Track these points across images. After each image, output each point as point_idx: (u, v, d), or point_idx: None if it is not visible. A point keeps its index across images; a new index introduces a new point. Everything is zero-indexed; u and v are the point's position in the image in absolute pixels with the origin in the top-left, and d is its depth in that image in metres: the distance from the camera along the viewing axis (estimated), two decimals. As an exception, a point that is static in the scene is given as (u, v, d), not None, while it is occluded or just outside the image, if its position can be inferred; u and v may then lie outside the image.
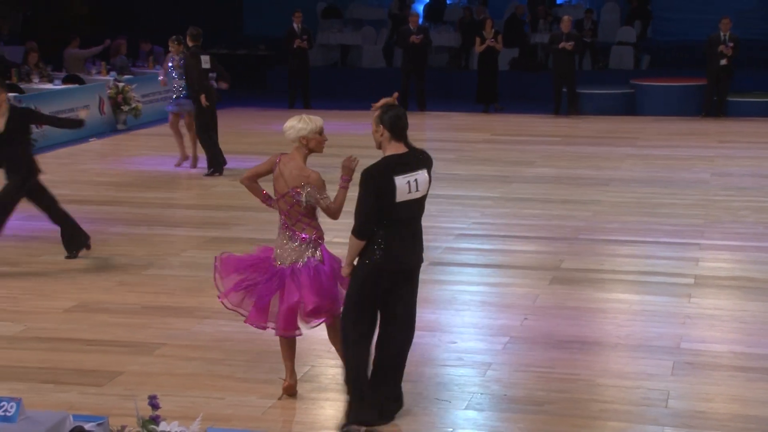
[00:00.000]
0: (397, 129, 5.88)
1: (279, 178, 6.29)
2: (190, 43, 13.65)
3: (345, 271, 6.00)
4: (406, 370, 6.68)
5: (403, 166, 5.82)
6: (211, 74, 13.90)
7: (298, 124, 6.29)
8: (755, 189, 12.90)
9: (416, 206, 5.93)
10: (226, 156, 14.07)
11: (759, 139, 16.98)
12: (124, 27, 23.26)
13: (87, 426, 4.93)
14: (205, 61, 13.50)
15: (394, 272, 5.88)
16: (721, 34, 19.31)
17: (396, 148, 5.88)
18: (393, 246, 5.83)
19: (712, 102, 19.51)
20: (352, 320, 5.93)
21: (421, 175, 5.87)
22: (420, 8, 25.77)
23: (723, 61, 19.19)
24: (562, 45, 19.36)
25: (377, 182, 5.76)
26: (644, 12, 24.75)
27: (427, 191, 5.97)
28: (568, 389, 6.57)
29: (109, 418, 5.17)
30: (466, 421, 6.14)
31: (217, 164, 13.70)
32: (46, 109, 16.21)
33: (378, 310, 5.99)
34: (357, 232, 5.83)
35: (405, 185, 5.78)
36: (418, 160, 5.90)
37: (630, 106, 20.23)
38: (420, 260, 6.03)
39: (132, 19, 24.38)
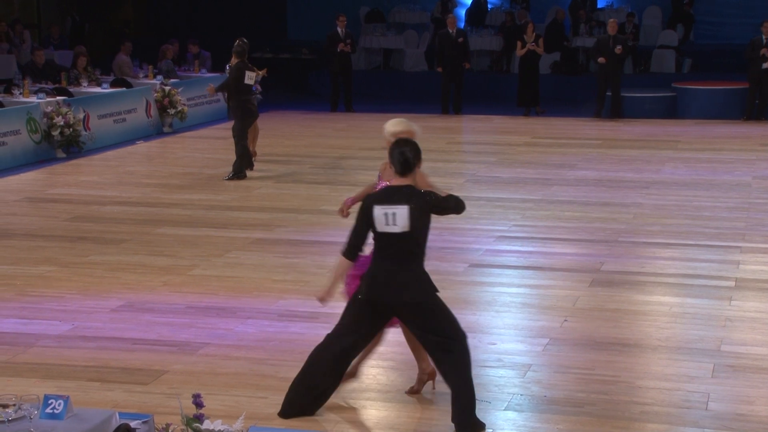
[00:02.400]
0: (398, 165, 5.93)
1: None
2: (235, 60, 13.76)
3: (321, 292, 6.20)
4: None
5: (387, 197, 5.88)
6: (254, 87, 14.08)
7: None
8: (797, 192, 12.75)
9: (398, 241, 5.84)
10: (269, 157, 14.16)
11: (801, 142, 16.78)
12: (170, 31, 23.44)
13: (132, 423, 4.95)
14: (249, 78, 13.63)
15: (376, 303, 5.95)
16: (763, 37, 19.10)
17: (397, 180, 5.97)
18: (377, 277, 5.94)
19: (754, 105, 19.31)
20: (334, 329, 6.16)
21: (400, 210, 5.80)
22: (462, 12, 25.74)
23: (765, 65, 18.99)
24: (618, 49, 19.20)
25: (363, 208, 5.96)
26: (686, 16, 24.54)
27: (413, 229, 5.82)
28: (608, 391, 6.53)
29: (154, 416, 5.19)
30: (506, 422, 6.12)
31: (240, 171, 13.78)
32: (95, 112, 16.43)
33: (362, 333, 6.11)
34: (344, 250, 6.05)
35: (382, 216, 5.83)
36: (402, 195, 5.85)
37: (671, 110, 20.07)
38: (411, 299, 5.89)
39: (178, 23, 24.56)
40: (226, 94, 14.45)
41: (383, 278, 5.91)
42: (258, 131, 14.64)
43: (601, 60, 19.45)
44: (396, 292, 5.90)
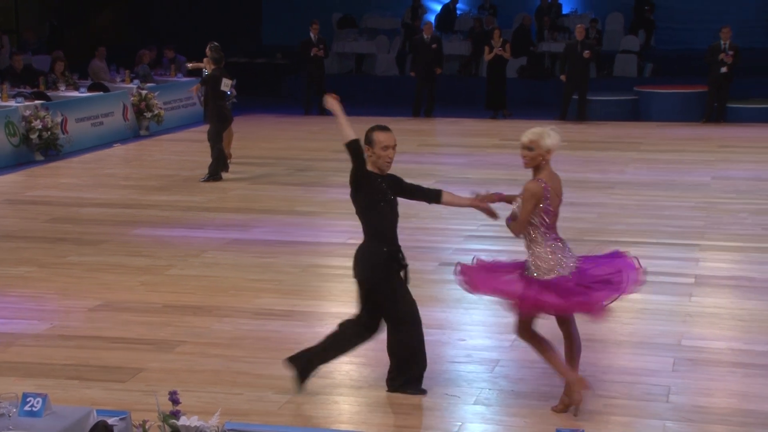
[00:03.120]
0: None
1: (554, 197, 6.18)
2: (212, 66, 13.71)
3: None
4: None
5: None
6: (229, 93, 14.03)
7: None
8: (754, 192, 12.85)
9: None
10: (244, 159, 14.14)
11: (758, 144, 16.92)
12: (147, 36, 23.33)
13: (110, 420, 4.94)
14: (225, 85, 13.60)
15: None
16: (722, 42, 19.26)
17: None
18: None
19: (713, 108, 19.47)
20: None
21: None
22: (432, 18, 25.77)
23: (723, 69, 19.15)
24: (586, 54, 19.31)
25: None
26: (647, 21, 24.70)
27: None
28: (573, 385, 6.55)
29: (131, 412, 5.18)
30: (475, 416, 6.14)
31: (216, 173, 13.74)
32: (72, 116, 16.33)
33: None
34: None
35: None
36: None
37: (634, 112, 20.19)
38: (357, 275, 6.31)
39: (155, 28, 24.45)
40: (202, 99, 14.43)
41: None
42: (232, 135, 14.60)
43: (562, 77, 19.67)
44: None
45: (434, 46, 20.26)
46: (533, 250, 6.07)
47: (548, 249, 6.02)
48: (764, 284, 8.85)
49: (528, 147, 6.02)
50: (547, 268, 5.98)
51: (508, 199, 6.31)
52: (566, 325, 6.14)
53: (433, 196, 6.38)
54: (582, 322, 7.85)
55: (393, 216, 6.25)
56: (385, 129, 6.26)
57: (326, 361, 6.45)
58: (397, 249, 6.25)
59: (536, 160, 6.07)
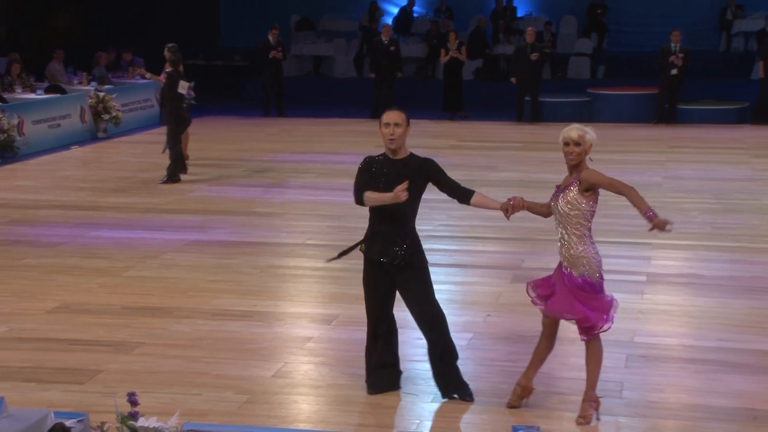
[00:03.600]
0: None
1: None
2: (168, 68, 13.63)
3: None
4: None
5: None
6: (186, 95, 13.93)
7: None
8: (704, 191, 13.00)
9: None
10: (203, 161, 14.08)
11: (708, 144, 17.11)
12: (104, 39, 23.12)
13: (68, 422, 4.89)
14: (182, 87, 13.51)
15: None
16: (672, 45, 19.46)
17: None
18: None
19: (664, 109, 19.67)
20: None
21: None
22: (389, 20, 25.80)
23: (674, 71, 19.35)
24: (533, 56, 19.42)
25: None
26: (600, 25, 24.90)
27: None
28: (529, 382, 6.58)
29: (89, 414, 5.14)
30: (431, 414, 6.15)
31: (174, 174, 13.66)
32: (29, 118, 16.15)
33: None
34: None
35: None
36: None
37: (587, 114, 20.33)
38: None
39: (113, 30, 24.23)
40: (159, 101, 14.32)
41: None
42: (188, 136, 14.49)
43: (513, 80, 19.80)
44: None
45: (392, 48, 20.29)
46: (581, 246, 6.05)
47: (594, 247, 6.05)
48: (714, 281, 8.96)
49: (577, 143, 6.03)
50: (596, 267, 6.01)
51: (530, 207, 6.37)
52: (556, 326, 6.13)
53: (465, 196, 6.32)
54: (535, 322, 7.91)
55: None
56: (391, 108, 6.30)
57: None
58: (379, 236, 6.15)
59: (582, 155, 6.10)
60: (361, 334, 7.53)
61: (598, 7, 24.86)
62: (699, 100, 20.37)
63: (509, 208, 6.26)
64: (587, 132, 6.02)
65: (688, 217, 11.53)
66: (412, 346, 7.30)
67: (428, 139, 18.09)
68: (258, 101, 21.25)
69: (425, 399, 6.34)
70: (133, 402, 4.96)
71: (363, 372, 6.67)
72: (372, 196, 6.05)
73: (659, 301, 8.42)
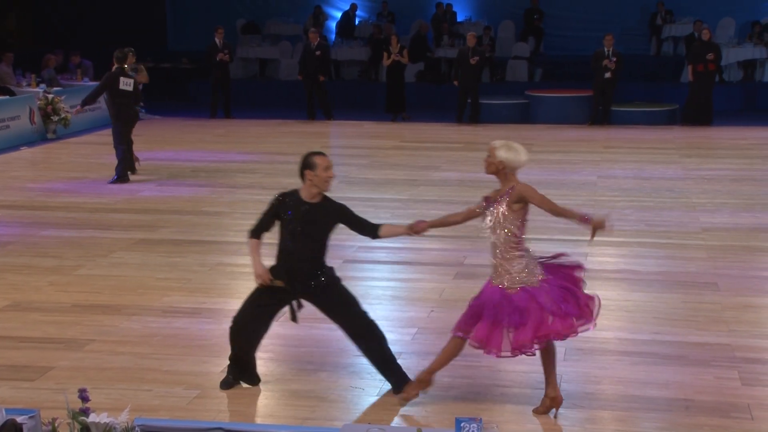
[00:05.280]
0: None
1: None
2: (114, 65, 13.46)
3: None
4: (322, 360, 6.69)
5: None
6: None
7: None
8: (637, 190, 13.16)
9: None
10: (151, 161, 13.93)
11: (640, 144, 17.33)
12: (53, 41, 22.78)
13: (19, 419, 4.81)
14: (125, 83, 13.33)
15: None
16: (605, 49, 19.68)
17: None
18: None
19: (598, 111, 19.88)
20: None
21: None
22: (333, 25, 25.77)
23: (607, 74, 19.57)
24: (473, 60, 19.53)
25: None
26: (537, 29, 25.10)
27: None
28: (472, 375, 6.62)
29: (40, 411, 5.05)
30: (377, 407, 6.14)
31: (123, 174, 13.50)
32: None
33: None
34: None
35: None
36: None
37: (525, 115, 20.49)
38: None
39: (61, 33, 23.89)
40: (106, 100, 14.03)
41: None
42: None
43: (455, 82, 19.97)
44: None
45: (318, 53, 20.28)
46: (507, 258, 5.99)
47: (522, 259, 5.99)
48: (648, 277, 9.07)
49: (489, 154, 6.07)
50: (519, 278, 5.92)
51: (433, 225, 6.40)
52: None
53: (373, 231, 6.36)
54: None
55: (299, 239, 6.15)
56: (322, 153, 6.26)
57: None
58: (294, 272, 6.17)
59: (491, 168, 6.11)
60: (308, 330, 7.52)
61: (534, 12, 25.06)
62: (631, 102, 20.64)
63: (416, 230, 6.35)
64: (497, 148, 6.04)
65: (621, 215, 11.65)
66: (359, 341, 7.28)
67: (371, 139, 18.11)
68: (205, 103, 21.09)
69: (371, 392, 6.33)
70: (84, 398, 4.89)
71: (311, 367, 6.66)
72: (251, 248, 6.22)
73: (595, 295, 8.47)
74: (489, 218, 6.04)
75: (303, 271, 6.17)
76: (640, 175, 14.27)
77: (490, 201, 6.08)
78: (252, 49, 24.91)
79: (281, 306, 6.27)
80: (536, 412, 6.03)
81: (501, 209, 5.99)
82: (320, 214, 6.20)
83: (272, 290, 6.17)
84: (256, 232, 6.26)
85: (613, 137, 18.21)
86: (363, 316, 6.32)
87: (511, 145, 6.06)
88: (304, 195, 6.19)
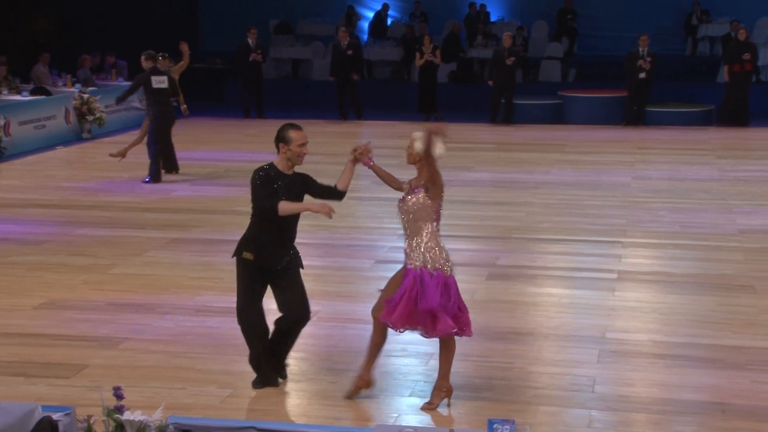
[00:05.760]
0: None
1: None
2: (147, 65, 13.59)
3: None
4: (354, 359, 6.70)
5: None
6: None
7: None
8: (671, 191, 13.06)
9: None
10: (184, 161, 14.03)
11: (675, 145, 17.21)
12: (88, 42, 22.98)
13: (55, 416, 4.86)
14: (158, 81, 13.44)
15: None
16: (640, 49, 19.54)
17: None
18: None
19: (632, 112, 19.75)
20: None
21: None
22: (365, 25, 25.79)
23: (642, 75, 19.43)
24: (509, 60, 19.48)
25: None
26: (570, 29, 24.99)
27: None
28: (504, 377, 6.60)
29: (75, 408, 5.10)
30: (410, 408, 6.14)
31: (157, 174, 13.59)
32: (15, 119, 16.02)
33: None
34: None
35: None
36: None
37: (558, 116, 20.40)
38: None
39: (96, 34, 24.09)
40: (142, 101, 14.16)
41: None
42: (144, 136, 14.13)
43: (490, 82, 19.87)
44: None
45: (350, 52, 20.28)
46: (426, 242, 6.09)
47: (434, 245, 6.10)
48: (682, 279, 9.00)
49: (409, 145, 6.22)
50: (440, 261, 6.03)
51: (375, 167, 6.50)
52: None
53: (334, 191, 6.44)
54: (509, 317, 7.92)
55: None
56: (298, 127, 6.36)
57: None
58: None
59: (409, 159, 6.27)
60: (342, 330, 7.54)
61: (568, 12, 24.94)
62: (666, 103, 20.48)
63: (356, 156, 6.44)
64: (416, 140, 6.20)
65: (656, 216, 11.59)
66: (389, 341, 7.24)
67: (404, 140, 18.01)
68: (238, 103, 21.18)
69: (403, 393, 6.34)
70: (118, 396, 4.93)
71: (343, 367, 6.67)
72: (292, 207, 6.18)
73: (630, 298, 8.45)
74: (409, 203, 6.15)
75: (283, 245, 6.25)
76: (675, 176, 14.17)
77: (411, 188, 6.11)
78: (285, 50, 24.98)
79: (265, 287, 6.33)
80: (430, 405, 6.07)
81: (417, 198, 6.12)
82: (297, 184, 6.31)
83: (258, 272, 6.24)
84: (276, 199, 6.19)
85: (648, 138, 18.09)
86: (303, 293, 6.31)
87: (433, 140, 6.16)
88: (281, 167, 6.29)
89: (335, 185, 6.42)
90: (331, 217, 6.20)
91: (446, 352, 6.12)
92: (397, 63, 24.45)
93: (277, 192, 6.19)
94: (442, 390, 6.10)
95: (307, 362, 6.83)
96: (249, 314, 6.30)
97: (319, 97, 23.16)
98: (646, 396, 6.34)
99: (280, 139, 6.26)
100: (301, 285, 6.33)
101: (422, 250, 6.03)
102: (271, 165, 6.31)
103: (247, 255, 6.24)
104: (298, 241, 6.39)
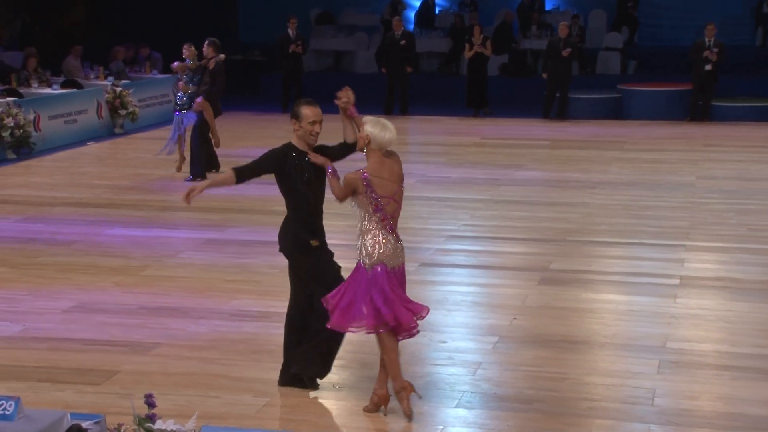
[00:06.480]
0: None
1: (385, 182, 6.12)
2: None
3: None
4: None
5: None
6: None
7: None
8: (739, 192, 12.91)
9: None
10: (221, 158, 14.13)
11: (743, 143, 17.01)
12: (121, 33, 23.22)
13: (84, 424, 4.91)
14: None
15: None
16: (706, 39, 19.34)
17: None
18: None
19: (698, 106, 19.55)
20: None
21: None
22: (411, 15, 25.78)
23: (708, 67, 19.23)
24: (565, 52, 19.38)
25: None
26: (631, 18, 24.79)
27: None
28: (557, 388, 6.57)
29: (105, 416, 5.15)
30: (457, 419, 6.13)
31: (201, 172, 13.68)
32: (45, 113, 16.24)
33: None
34: None
35: None
36: None
37: (617, 111, 20.25)
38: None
39: (128, 25, 24.34)
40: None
41: None
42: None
43: (544, 75, 19.82)
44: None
45: (403, 42, 20.26)
46: (363, 238, 6.11)
47: (378, 239, 6.07)
48: (750, 285, 8.89)
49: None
50: (374, 258, 6.03)
51: (356, 119, 6.43)
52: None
53: (349, 147, 6.49)
54: (562, 325, 7.88)
55: (317, 189, 6.37)
56: (312, 103, 6.43)
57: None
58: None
59: (360, 142, 6.24)
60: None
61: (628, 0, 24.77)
62: (734, 97, 20.24)
63: (343, 102, 6.47)
64: (366, 123, 6.25)
65: (722, 218, 11.46)
66: (435, 349, 7.30)
67: (451, 136, 18.08)
68: (277, 97, 21.28)
69: (449, 404, 6.33)
70: (150, 404, 4.97)
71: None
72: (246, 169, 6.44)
73: (693, 305, 8.37)
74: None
75: (320, 224, 6.38)
76: (743, 175, 14.00)
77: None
78: (326, 41, 25.07)
79: None
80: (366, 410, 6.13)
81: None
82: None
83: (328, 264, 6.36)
84: (241, 173, 6.41)
85: (714, 135, 17.90)
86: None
87: (379, 121, 6.23)
88: (299, 146, 6.36)
89: (344, 140, 6.49)
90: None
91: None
92: (444, 55, 24.44)
93: (295, 172, 6.30)
94: (375, 395, 6.15)
95: (347, 370, 6.85)
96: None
97: (362, 90, 23.12)
98: (709, 410, 6.27)
99: (293, 115, 6.38)
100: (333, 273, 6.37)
101: (359, 243, 6.09)
102: (290, 145, 6.37)
103: (314, 242, 6.30)
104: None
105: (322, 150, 6.43)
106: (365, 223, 6.11)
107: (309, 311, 6.38)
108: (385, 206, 6.08)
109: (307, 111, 6.33)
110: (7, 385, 6.50)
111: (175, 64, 13.88)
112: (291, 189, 6.36)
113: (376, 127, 6.15)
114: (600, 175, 14.05)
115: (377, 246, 6.03)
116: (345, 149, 6.47)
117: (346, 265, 6.41)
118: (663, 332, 7.64)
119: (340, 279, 6.28)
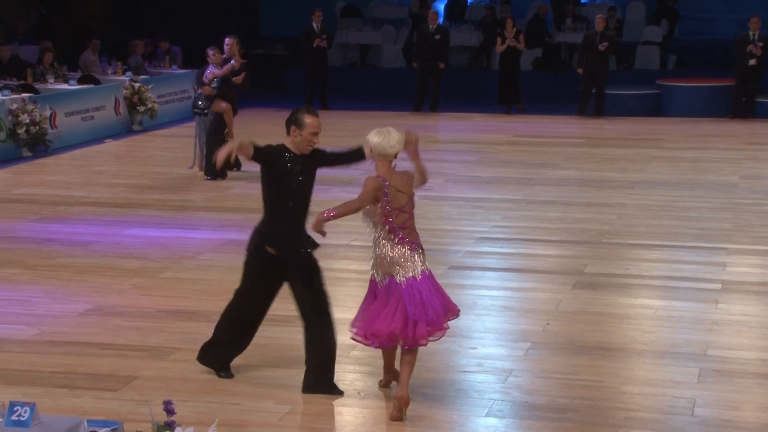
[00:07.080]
0: None
1: (397, 193, 6.23)
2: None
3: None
4: (426, 375, 6.71)
5: None
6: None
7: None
8: (784, 192, 12.85)
9: None
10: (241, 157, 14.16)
11: (788, 141, 16.91)
12: (138, 26, 23.36)
13: (101, 431, 4.94)
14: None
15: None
16: (750, 33, 19.24)
17: None
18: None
19: (740, 103, 19.45)
20: None
21: None
22: (441, 7, 25.75)
23: (752, 61, 19.12)
24: (602, 46, 19.32)
25: None
26: (671, 11, 24.68)
27: None
28: (592, 396, 6.56)
29: (123, 423, 5.18)
30: (487, 429, 6.13)
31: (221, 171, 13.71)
32: (62, 110, 16.36)
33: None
34: None
35: None
36: None
37: (656, 107, 20.18)
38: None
39: (147, 18, 24.48)
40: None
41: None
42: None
43: (579, 70, 19.77)
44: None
45: (437, 37, 20.22)
46: (374, 249, 6.30)
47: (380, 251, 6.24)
48: (795, 290, 8.84)
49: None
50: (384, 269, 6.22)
51: (416, 163, 6.49)
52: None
53: (356, 153, 6.62)
54: (598, 331, 7.86)
55: (299, 195, 6.58)
56: (315, 113, 6.54)
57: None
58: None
59: (369, 153, 6.37)
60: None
61: (668, -9, 24.65)
62: (779, 94, 20.12)
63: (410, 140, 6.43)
64: (371, 133, 6.31)
65: (766, 220, 11.39)
66: (465, 356, 7.30)
67: (482, 133, 18.07)
68: (301, 92, 21.33)
69: (479, 412, 6.33)
70: (169, 411, 4.99)
71: (412, 383, 6.66)
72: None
73: (735, 311, 8.32)
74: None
75: (298, 233, 6.57)
76: (787, 175, 13.93)
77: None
78: (352, 34, 25.09)
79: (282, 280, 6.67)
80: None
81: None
82: (311, 165, 6.54)
83: (269, 270, 6.65)
84: (258, 149, 6.51)
85: (758, 132, 17.80)
86: (323, 291, 6.61)
87: (383, 130, 6.30)
88: (294, 149, 6.49)
89: (357, 148, 6.57)
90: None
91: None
92: (475, 49, 24.40)
93: (285, 173, 6.49)
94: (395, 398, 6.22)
95: (372, 377, 6.86)
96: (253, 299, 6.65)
97: (389, 85, 23.23)
98: (752, 421, 6.24)
99: (294, 121, 6.46)
100: (318, 280, 6.58)
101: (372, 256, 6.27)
102: (282, 145, 6.51)
103: (271, 249, 6.55)
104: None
105: (320, 153, 6.59)
106: (375, 234, 6.28)
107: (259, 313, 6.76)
108: (395, 218, 6.19)
109: (311, 120, 6.47)
110: (22, 390, 6.55)
111: (227, 66, 14.06)
112: (273, 186, 6.58)
113: (378, 137, 6.27)
114: (638, 174, 14.00)
115: (386, 258, 6.22)
116: (351, 156, 6.69)
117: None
118: (704, 339, 7.61)
119: (269, 297, 6.71)
